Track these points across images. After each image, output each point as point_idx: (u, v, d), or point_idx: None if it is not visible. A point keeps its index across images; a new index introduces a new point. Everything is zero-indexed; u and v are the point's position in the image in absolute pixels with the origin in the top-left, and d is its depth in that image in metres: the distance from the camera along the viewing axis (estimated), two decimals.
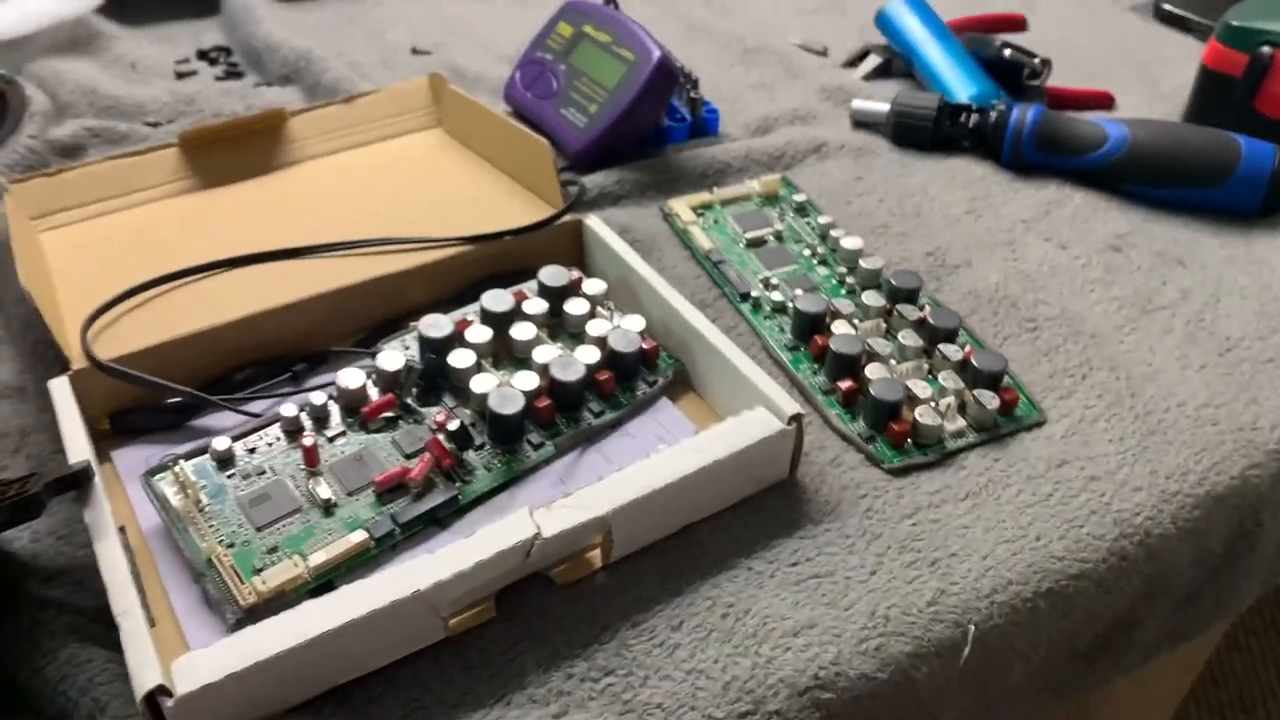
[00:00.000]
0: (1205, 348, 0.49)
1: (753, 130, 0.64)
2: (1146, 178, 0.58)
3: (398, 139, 0.61)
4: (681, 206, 0.56)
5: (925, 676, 0.36)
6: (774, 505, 0.40)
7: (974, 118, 0.62)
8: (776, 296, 0.50)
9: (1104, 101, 0.69)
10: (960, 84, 0.66)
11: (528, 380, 0.42)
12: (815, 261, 0.53)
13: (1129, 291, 0.52)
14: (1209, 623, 0.46)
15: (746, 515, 0.40)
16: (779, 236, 0.55)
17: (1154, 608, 0.42)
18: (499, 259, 0.50)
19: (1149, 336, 0.49)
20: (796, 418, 0.39)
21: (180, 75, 0.68)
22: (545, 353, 0.43)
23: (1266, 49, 0.60)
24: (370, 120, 0.61)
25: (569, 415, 0.42)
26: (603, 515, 0.36)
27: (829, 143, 0.63)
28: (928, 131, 0.63)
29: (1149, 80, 0.73)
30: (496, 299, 0.45)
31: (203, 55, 0.72)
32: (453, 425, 0.39)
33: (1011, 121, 0.60)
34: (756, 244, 0.54)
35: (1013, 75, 0.68)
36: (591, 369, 0.43)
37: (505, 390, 0.41)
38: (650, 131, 0.61)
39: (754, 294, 0.50)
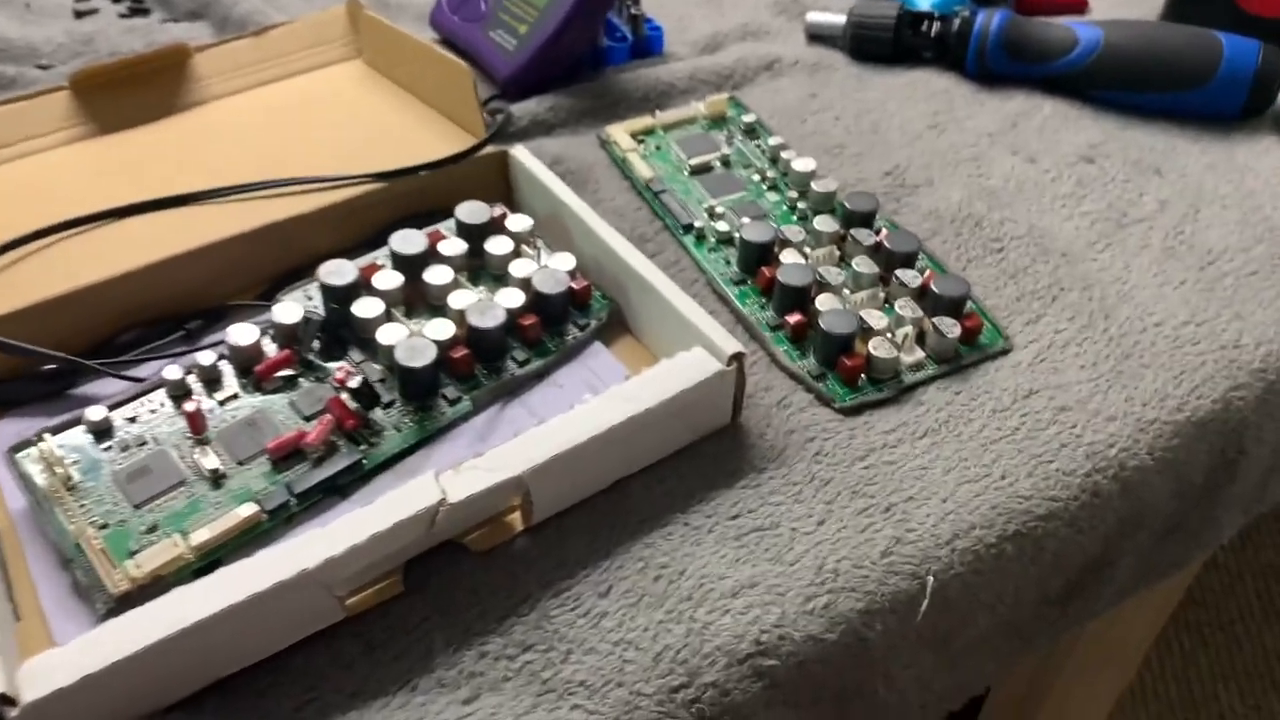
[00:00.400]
0: (1185, 262, 0.45)
1: (700, 48, 0.60)
2: (1121, 82, 0.54)
3: (313, 73, 0.56)
4: (620, 133, 0.52)
5: (879, 635, 0.33)
6: (714, 454, 0.37)
7: (936, 26, 0.58)
8: (722, 227, 0.46)
9: (1076, 5, 0.65)
10: None
11: (442, 329, 0.38)
12: (765, 187, 0.49)
13: (1102, 206, 0.48)
14: (1188, 557, 0.43)
15: (683, 466, 0.36)
16: (726, 162, 0.51)
17: (1130, 545, 0.39)
18: (417, 198, 0.46)
19: (1124, 253, 0.45)
20: (737, 357, 0.36)
21: (79, 14, 0.63)
22: (462, 298, 0.39)
23: None
24: (283, 54, 0.56)
25: (490, 366, 0.39)
26: (518, 475, 0.32)
27: (782, 59, 0.58)
28: (888, 43, 0.58)
29: None
30: (407, 240, 0.41)
31: None
32: (354, 382, 0.36)
33: (976, 28, 0.56)
34: (701, 170, 0.50)
35: None
36: (514, 314, 0.39)
37: (415, 341, 0.37)
38: (587, 53, 0.57)
39: (698, 225, 0.46)
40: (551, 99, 0.54)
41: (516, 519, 0.34)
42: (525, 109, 0.53)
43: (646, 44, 0.59)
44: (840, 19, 0.60)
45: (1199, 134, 0.53)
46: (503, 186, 0.47)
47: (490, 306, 0.38)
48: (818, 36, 0.61)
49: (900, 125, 0.53)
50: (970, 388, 0.39)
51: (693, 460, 0.36)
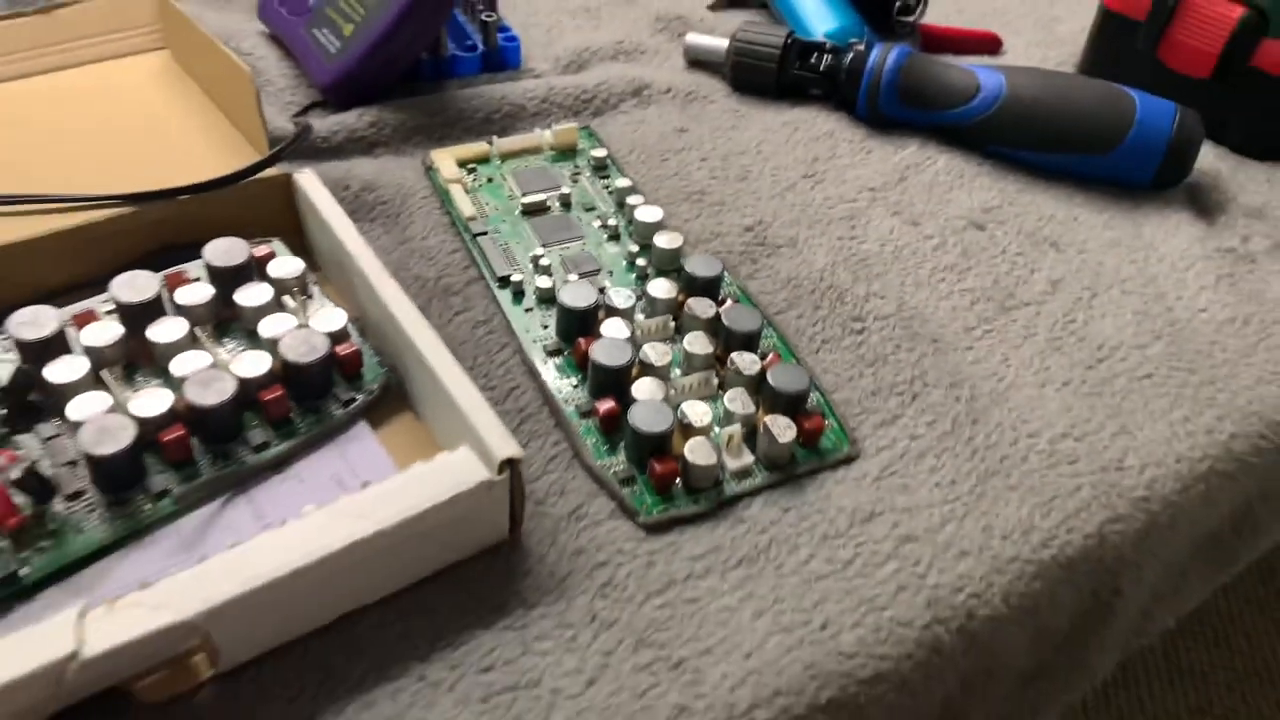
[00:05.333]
0: (1072, 358, 0.39)
1: (563, 65, 0.53)
2: (1024, 139, 0.48)
3: (110, 62, 0.48)
4: (446, 159, 0.45)
5: None
6: (479, 582, 0.30)
7: (827, 59, 0.51)
8: (544, 283, 0.39)
9: (989, 45, 0.59)
10: (819, 17, 0.55)
11: (151, 403, 0.30)
12: (605, 236, 0.42)
13: (987, 282, 0.42)
14: (1051, 704, 0.37)
15: (435, 597, 0.29)
16: (566, 202, 0.44)
17: (978, 701, 0.33)
18: (179, 226, 0.38)
19: (1004, 342, 0.39)
20: (510, 463, 0.29)
21: None
22: (187, 362, 0.32)
23: None
24: (74, 38, 0.48)
25: (216, 450, 0.31)
26: (189, 620, 0.25)
27: (653, 84, 0.51)
28: (772, 74, 0.52)
29: (1044, 23, 0.63)
30: (133, 285, 0.33)
31: None
32: (15, 473, 0.28)
33: (869, 65, 0.50)
34: (535, 211, 0.43)
35: (884, 9, 0.57)
36: (252, 385, 0.32)
37: (109, 420, 0.29)
38: (428, 62, 0.50)
39: (516, 278, 0.39)
40: (375, 112, 0.46)
41: (202, 662, 0.27)
42: (341, 122, 0.46)
43: (500, 55, 0.51)
44: (722, 44, 0.53)
45: (1105, 204, 0.47)
46: (290, 217, 0.40)
47: (217, 377, 0.31)
48: (697, 62, 0.54)
49: (772, 172, 0.47)
50: (802, 504, 0.33)
51: (450, 589, 0.29)
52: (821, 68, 0.51)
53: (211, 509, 0.31)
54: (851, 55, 0.50)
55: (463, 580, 0.30)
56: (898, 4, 0.57)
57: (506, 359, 0.37)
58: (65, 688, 0.24)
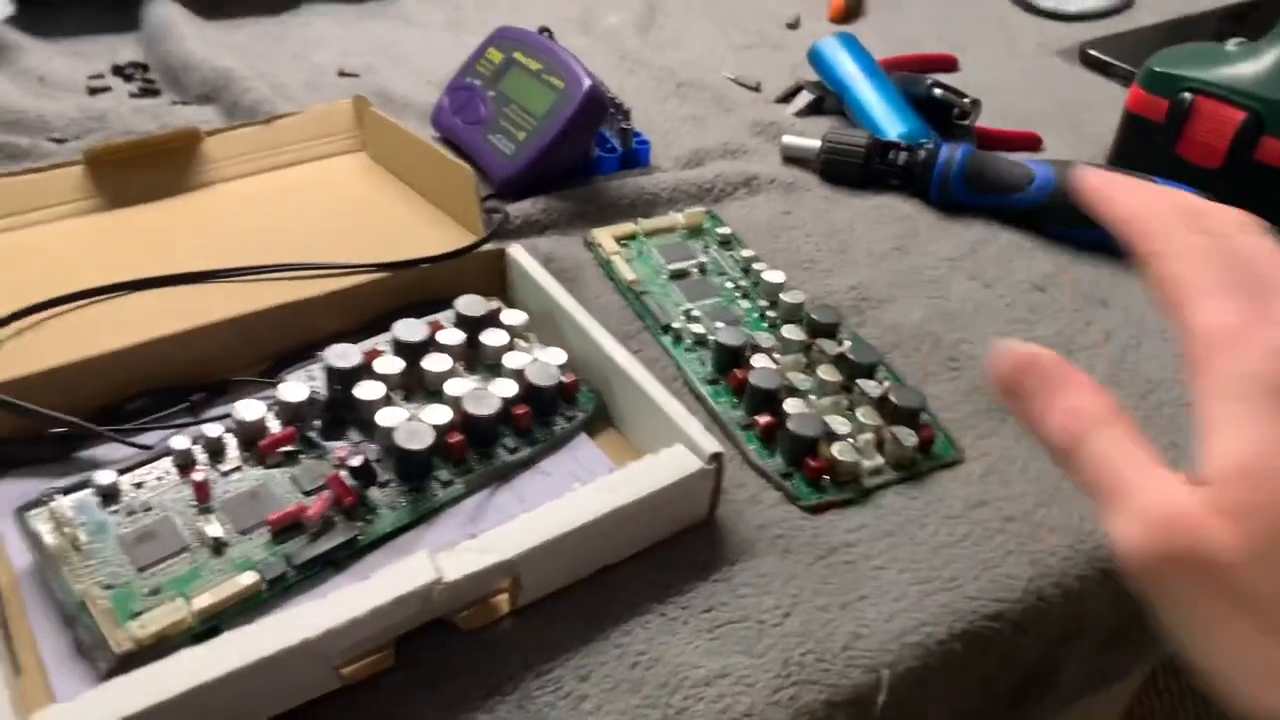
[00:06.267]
0: (1127, 390, 0.49)
1: (683, 163, 0.64)
2: (1071, 219, 0.59)
3: (318, 163, 0.59)
4: (605, 236, 0.55)
5: None
6: (691, 546, 0.39)
7: (903, 155, 0.62)
8: (697, 329, 0.49)
9: (1031, 143, 0.70)
10: (890, 121, 0.66)
11: (439, 414, 0.40)
12: (738, 295, 0.53)
13: (1052, 332, 0.52)
14: (1130, 666, 0.46)
15: (662, 557, 0.38)
16: (702, 269, 0.54)
17: (1073, 651, 0.42)
18: (416, 288, 0.48)
19: None
20: (717, 456, 0.38)
21: (92, 91, 0.66)
22: (458, 385, 0.42)
23: (1187, 95, 0.62)
24: (290, 143, 0.59)
25: (482, 452, 0.41)
26: (510, 559, 0.34)
27: (758, 177, 0.62)
28: (857, 168, 0.63)
29: (1074, 124, 0.74)
30: (409, 328, 0.43)
31: (118, 71, 0.69)
32: (355, 461, 0.38)
33: (940, 160, 0.61)
34: (680, 276, 0.54)
35: (942, 114, 0.69)
36: (508, 403, 0.42)
37: (413, 425, 0.39)
38: (579, 161, 0.60)
39: (675, 326, 0.50)
40: (544, 201, 0.57)
41: (504, 600, 0.36)
42: (519, 209, 0.56)
43: (634, 156, 0.63)
44: (814, 143, 0.64)
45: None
46: (498, 280, 0.50)
47: (486, 395, 0.41)
48: (792, 159, 0.65)
49: (867, 245, 0.57)
50: (925, 495, 0.42)
51: (670, 552, 0.39)
52: (899, 162, 0.62)
53: (483, 495, 0.40)
54: (924, 152, 0.61)
55: (680, 547, 0.39)
56: (955, 110, 0.68)
57: (677, 389, 0.47)
58: (430, 606, 0.33)
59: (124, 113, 0.63)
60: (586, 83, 0.57)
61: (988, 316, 0.52)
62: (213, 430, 0.38)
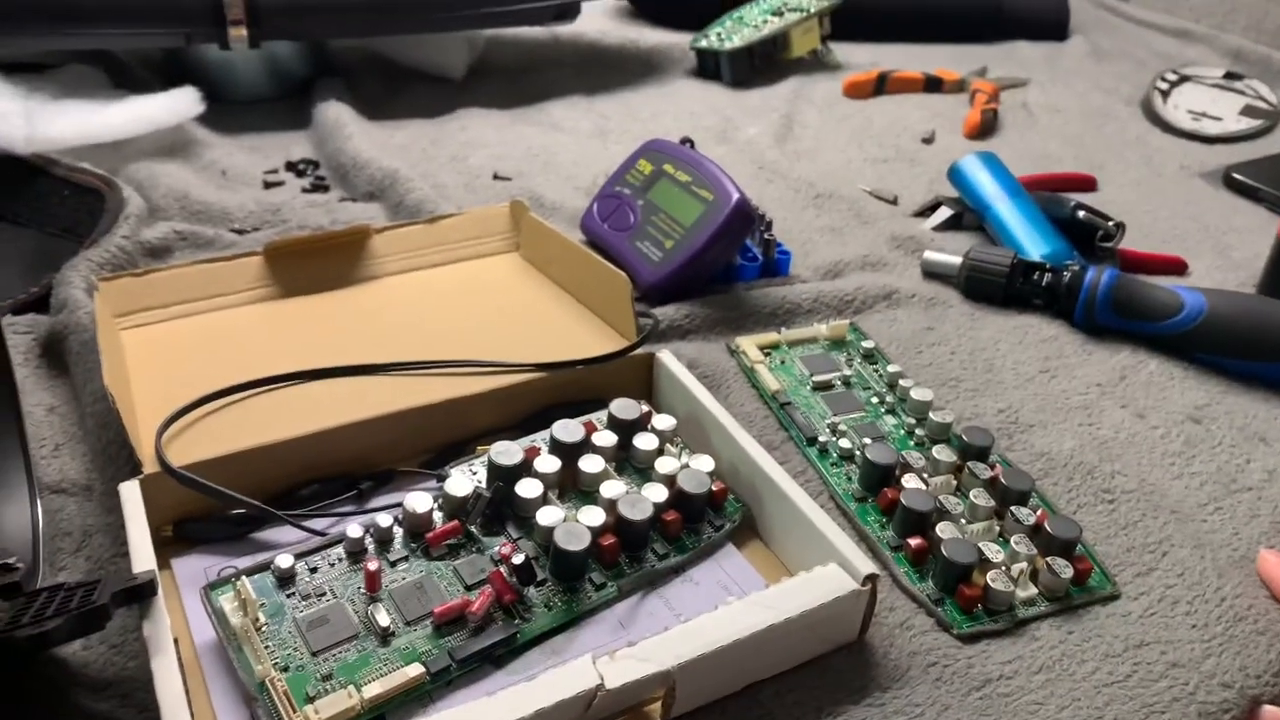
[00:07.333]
0: None
1: (823, 273, 0.65)
2: (1224, 349, 0.58)
3: (476, 261, 0.62)
4: (749, 345, 0.56)
5: None
6: (841, 668, 0.39)
7: (1048, 276, 0.62)
8: (844, 444, 0.49)
9: (1176, 267, 0.69)
10: (1033, 242, 0.66)
11: (594, 516, 0.41)
12: (883, 410, 0.53)
13: (1211, 468, 0.50)
14: None
15: (813, 677, 0.38)
16: (847, 382, 0.55)
17: None
18: (568, 387, 0.50)
19: (1234, 519, 0.47)
20: (872, 578, 0.38)
21: (268, 185, 0.71)
22: (613, 488, 0.42)
23: None
24: (451, 241, 0.63)
25: (633, 555, 0.42)
26: (667, 669, 0.34)
27: (899, 291, 0.63)
28: (1000, 286, 0.63)
29: (1220, 249, 0.73)
30: (567, 430, 0.45)
31: (291, 167, 0.74)
32: (518, 559, 0.39)
33: (1086, 282, 0.60)
34: (823, 388, 0.54)
35: (1084, 236, 0.68)
36: (659, 508, 0.42)
37: (572, 526, 0.40)
38: (722, 269, 0.62)
39: (821, 439, 0.50)
40: (688, 307, 0.58)
41: (656, 710, 0.36)
42: (664, 313, 0.58)
43: (775, 265, 0.64)
44: (955, 259, 0.64)
45: None
46: (645, 384, 0.51)
47: (639, 500, 0.42)
48: (933, 274, 0.66)
49: (1013, 366, 0.57)
50: (1082, 629, 0.41)
51: (821, 673, 0.38)
52: (1043, 283, 0.62)
53: (633, 600, 0.41)
54: (1069, 275, 0.61)
55: (830, 667, 0.39)
56: (1100, 232, 0.68)
57: (824, 503, 0.47)
58: (590, 711, 0.34)
59: (297, 206, 0.67)
60: (736, 196, 0.59)
61: (1142, 448, 0.51)
62: (383, 520, 0.40)
